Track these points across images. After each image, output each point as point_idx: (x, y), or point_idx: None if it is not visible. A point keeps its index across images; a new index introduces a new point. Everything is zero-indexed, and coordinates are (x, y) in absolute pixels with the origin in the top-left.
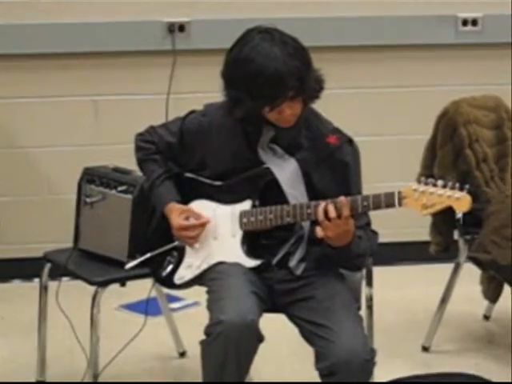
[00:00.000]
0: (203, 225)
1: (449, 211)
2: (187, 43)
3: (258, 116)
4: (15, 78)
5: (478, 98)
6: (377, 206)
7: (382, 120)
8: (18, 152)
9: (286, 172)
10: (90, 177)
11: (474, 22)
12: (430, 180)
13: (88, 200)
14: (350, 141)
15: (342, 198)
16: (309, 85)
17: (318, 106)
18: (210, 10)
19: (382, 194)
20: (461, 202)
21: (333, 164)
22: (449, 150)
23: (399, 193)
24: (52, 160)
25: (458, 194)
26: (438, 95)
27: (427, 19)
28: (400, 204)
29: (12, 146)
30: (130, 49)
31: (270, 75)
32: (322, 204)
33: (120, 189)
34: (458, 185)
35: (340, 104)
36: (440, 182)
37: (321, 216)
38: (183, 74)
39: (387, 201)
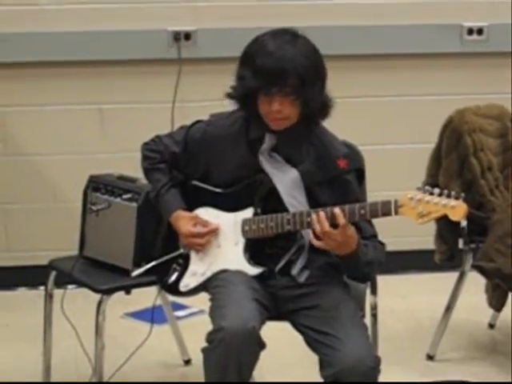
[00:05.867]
0: (212, 231)
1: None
2: (193, 52)
3: (255, 104)
4: (22, 87)
5: (483, 107)
6: (374, 215)
7: (387, 129)
8: (25, 160)
9: (286, 181)
10: (96, 185)
11: (480, 31)
12: (427, 188)
13: (93, 208)
14: (361, 171)
15: (335, 209)
16: (311, 93)
17: None
18: (216, 18)
19: (379, 202)
20: (456, 210)
21: (336, 184)
22: (454, 159)
23: (396, 201)
24: (58, 168)
25: (453, 202)
26: (443, 104)
27: (432, 28)
28: (396, 212)
29: (18, 153)
30: (135, 57)
31: (275, 61)
32: (314, 216)
33: (125, 197)
34: (453, 193)
35: (344, 113)
36: (436, 191)
37: (317, 229)
38: (189, 82)
39: (384, 209)
